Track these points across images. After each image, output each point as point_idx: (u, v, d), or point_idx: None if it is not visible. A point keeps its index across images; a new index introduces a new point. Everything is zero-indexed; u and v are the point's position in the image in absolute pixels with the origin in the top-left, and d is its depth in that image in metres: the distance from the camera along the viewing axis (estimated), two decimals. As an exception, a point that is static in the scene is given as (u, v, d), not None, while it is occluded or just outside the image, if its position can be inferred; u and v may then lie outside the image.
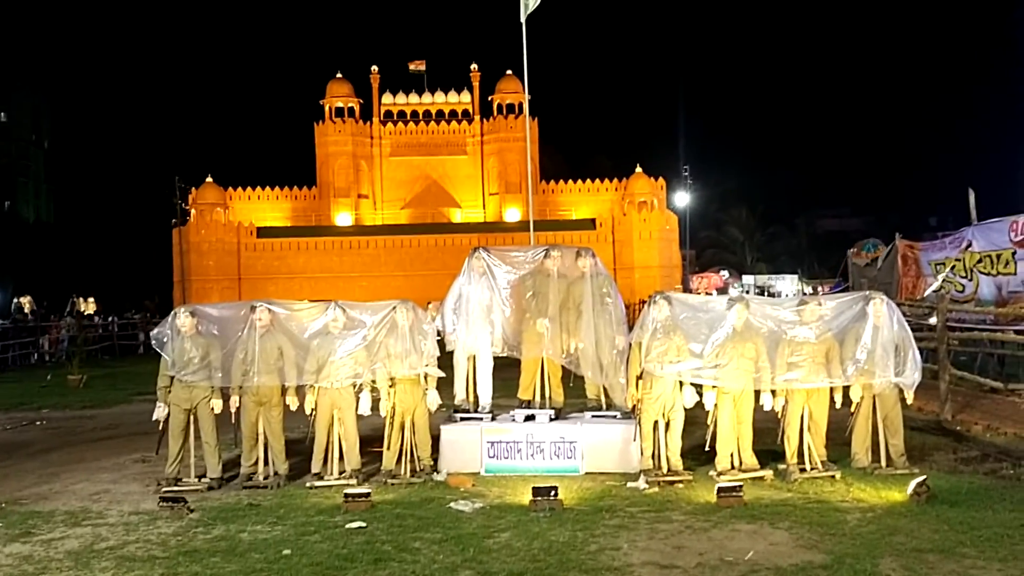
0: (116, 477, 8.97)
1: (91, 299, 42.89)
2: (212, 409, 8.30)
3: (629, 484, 7.92)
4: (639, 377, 8.14)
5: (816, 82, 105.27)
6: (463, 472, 8.38)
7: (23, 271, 60.88)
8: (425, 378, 8.36)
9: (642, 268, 53.95)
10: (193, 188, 54.94)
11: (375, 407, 8.38)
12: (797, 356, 8.01)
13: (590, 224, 57.83)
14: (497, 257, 9.05)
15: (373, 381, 8.33)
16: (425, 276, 51.91)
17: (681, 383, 8.07)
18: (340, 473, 8.25)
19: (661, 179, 58.74)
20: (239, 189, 59.06)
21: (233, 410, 8.38)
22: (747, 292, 39.55)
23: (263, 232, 56.43)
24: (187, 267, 54.03)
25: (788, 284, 37.80)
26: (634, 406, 8.27)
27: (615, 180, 61.59)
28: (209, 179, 56.29)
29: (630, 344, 8.34)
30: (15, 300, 37.07)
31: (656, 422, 8.12)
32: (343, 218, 59.55)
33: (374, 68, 60.91)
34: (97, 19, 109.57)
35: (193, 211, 54.62)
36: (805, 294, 33.29)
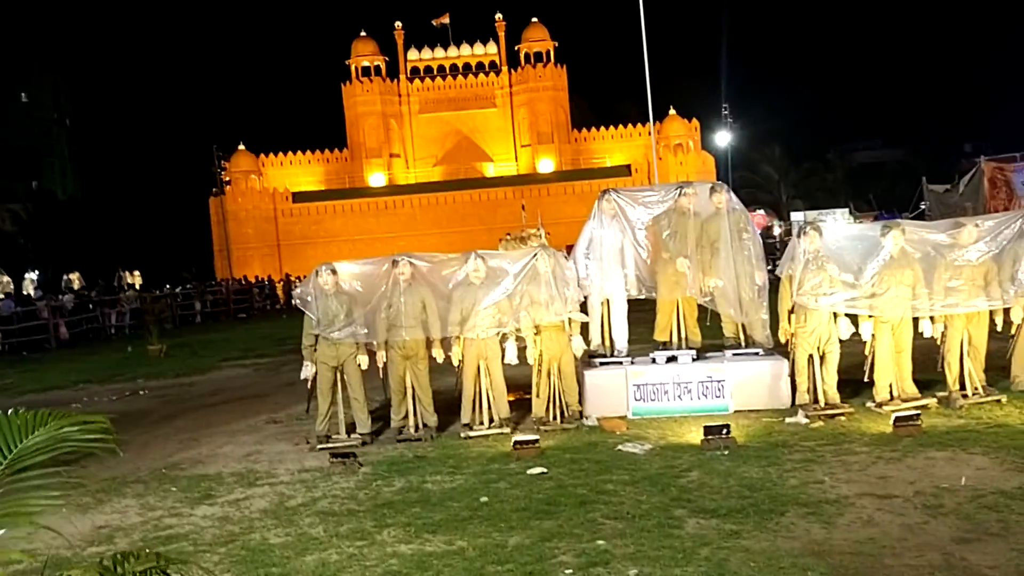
0: (258, 439, 8.98)
1: (136, 272, 43.33)
2: (359, 365, 8.26)
3: (788, 420, 7.82)
4: (791, 311, 8.02)
5: (837, 11, 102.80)
6: (612, 416, 8.32)
7: (60, 248, 61.44)
8: (569, 323, 8.26)
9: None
10: (222, 156, 54.76)
11: (521, 355, 8.31)
12: (956, 281, 7.83)
13: (625, 170, 57.23)
14: (628, 198, 8.89)
15: (518, 330, 8.25)
16: (462, 232, 51.68)
17: (835, 315, 7.92)
18: (490, 422, 8.20)
19: (695, 120, 57.93)
20: (271, 155, 58.86)
21: (380, 365, 8.34)
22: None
23: (298, 197, 56.31)
24: (226, 236, 54.16)
25: (839, 219, 37.24)
26: (787, 341, 8.16)
27: (648, 124, 60.73)
28: (241, 147, 56.15)
29: (777, 279, 8.19)
30: (64, 277, 37.43)
31: (811, 356, 7.99)
32: (376, 178, 59.29)
33: (398, 24, 60.07)
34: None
35: (229, 180, 54.60)
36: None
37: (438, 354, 8.29)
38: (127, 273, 40.51)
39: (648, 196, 8.91)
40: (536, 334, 8.21)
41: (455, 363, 8.34)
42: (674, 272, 8.65)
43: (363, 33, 60.00)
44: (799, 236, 8.08)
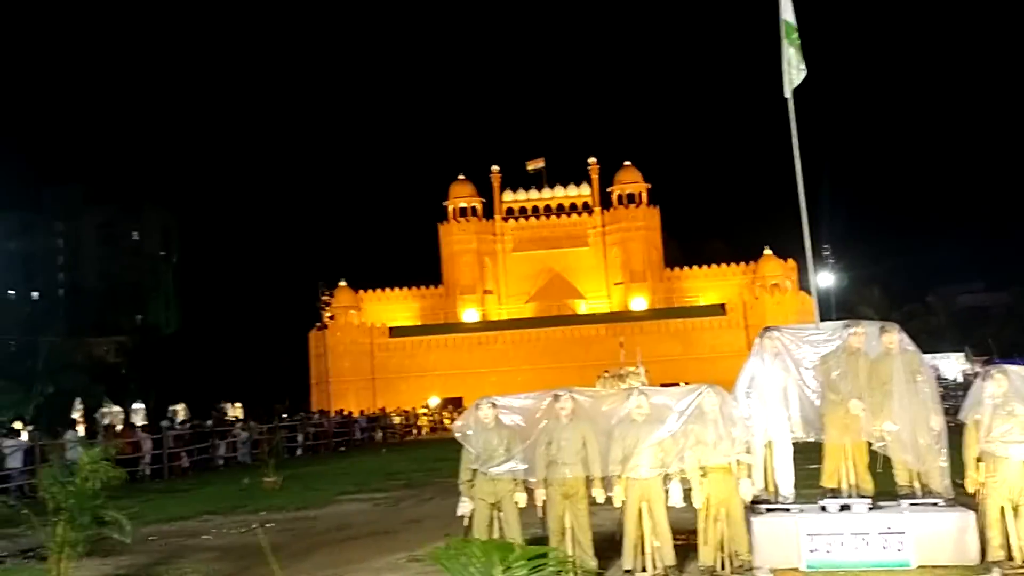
0: (405, 577, 8.75)
1: (238, 404, 44.40)
2: (516, 503, 8.04)
3: (983, 578, 7.22)
4: (978, 459, 7.54)
5: (934, 155, 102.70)
6: (784, 568, 7.83)
7: (161, 380, 63.46)
8: (737, 465, 7.93)
9: (778, 353, 52.29)
10: (327, 292, 56.68)
11: (686, 498, 7.98)
12: None
13: (719, 309, 56.84)
14: (791, 336, 8.67)
15: (683, 470, 7.95)
16: (553, 369, 51.52)
17: (1029, 464, 7.41)
18: (654, 569, 7.80)
19: (791, 260, 57.55)
20: (370, 291, 60.69)
21: (539, 503, 8.10)
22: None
23: (394, 332, 57.54)
24: (323, 369, 55.21)
25: (953, 363, 35.94)
26: (975, 491, 7.64)
27: (741, 264, 60.69)
28: (343, 283, 58.09)
29: (963, 424, 7.76)
30: (170, 408, 38.44)
31: (1003, 508, 7.45)
32: (470, 314, 60.24)
33: (495, 167, 62.43)
34: (222, 136, 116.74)
35: (328, 314, 56.23)
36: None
37: (599, 493, 8.01)
38: (228, 405, 41.63)
39: (813, 335, 8.68)
40: (702, 476, 7.90)
41: (616, 504, 8.04)
42: (844, 414, 8.28)
43: (461, 176, 62.50)
44: (984, 379, 7.69)
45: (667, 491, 7.95)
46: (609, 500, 8.05)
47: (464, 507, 8.17)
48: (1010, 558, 7.38)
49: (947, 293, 73.25)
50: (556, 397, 8.11)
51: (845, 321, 8.68)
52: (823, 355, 8.47)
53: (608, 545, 8.42)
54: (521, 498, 8.05)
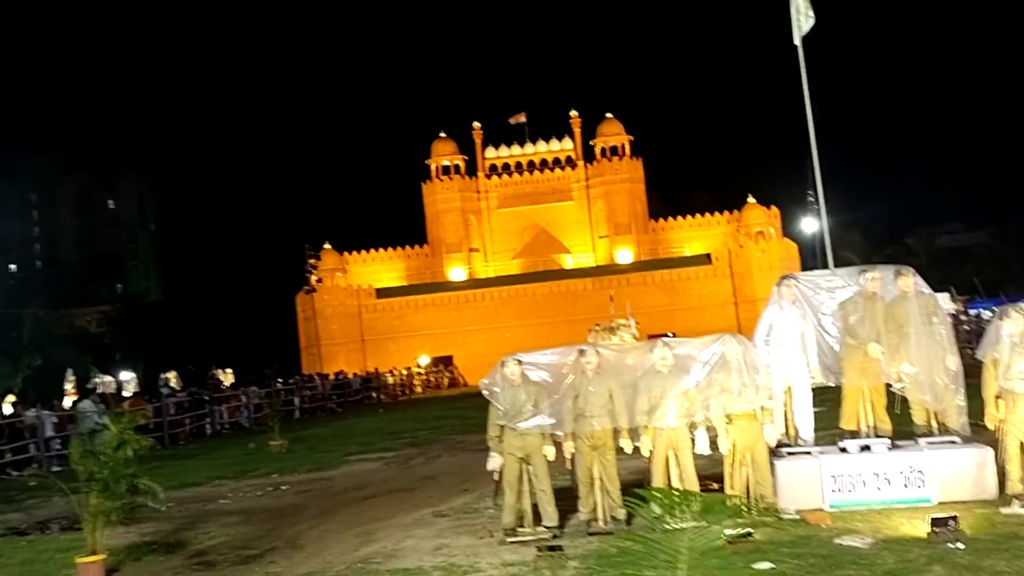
0: (435, 532, 8.88)
1: (229, 370, 44.23)
2: (545, 456, 8.17)
3: (1004, 511, 7.44)
4: (997, 396, 7.73)
5: (906, 97, 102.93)
6: (809, 509, 8.03)
7: (146, 349, 63.19)
8: (762, 411, 8.09)
9: (765, 300, 52.58)
10: (312, 255, 56.33)
11: (712, 445, 8.15)
12: None
13: (705, 259, 57.08)
14: (808, 283, 8.80)
15: (708, 419, 8.10)
16: (542, 324, 51.77)
17: (1047, 400, 7.59)
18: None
19: (774, 208, 57.78)
20: (355, 253, 60.44)
21: (568, 456, 8.24)
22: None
23: (381, 293, 57.43)
24: (312, 333, 55.17)
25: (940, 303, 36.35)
26: (996, 428, 7.84)
27: (725, 213, 60.85)
28: (327, 245, 57.79)
29: (981, 363, 7.93)
30: (161, 376, 38.32)
31: (1022, 443, 7.65)
32: (456, 273, 60.21)
33: (476, 124, 61.96)
34: (200, 99, 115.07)
35: (315, 277, 55.97)
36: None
37: (626, 444, 8.16)
38: (220, 371, 41.45)
39: (830, 281, 8.81)
40: (728, 423, 8.06)
41: (644, 453, 8.20)
42: (863, 358, 8.45)
43: (442, 134, 61.97)
44: (1000, 318, 7.84)
45: (693, 439, 8.11)
46: (637, 450, 8.20)
47: (493, 462, 8.30)
48: (1029, 491, 7.59)
49: (926, 235, 73.85)
50: (581, 352, 8.22)
51: (860, 267, 8.79)
52: (841, 302, 8.61)
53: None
54: (550, 451, 8.18)
